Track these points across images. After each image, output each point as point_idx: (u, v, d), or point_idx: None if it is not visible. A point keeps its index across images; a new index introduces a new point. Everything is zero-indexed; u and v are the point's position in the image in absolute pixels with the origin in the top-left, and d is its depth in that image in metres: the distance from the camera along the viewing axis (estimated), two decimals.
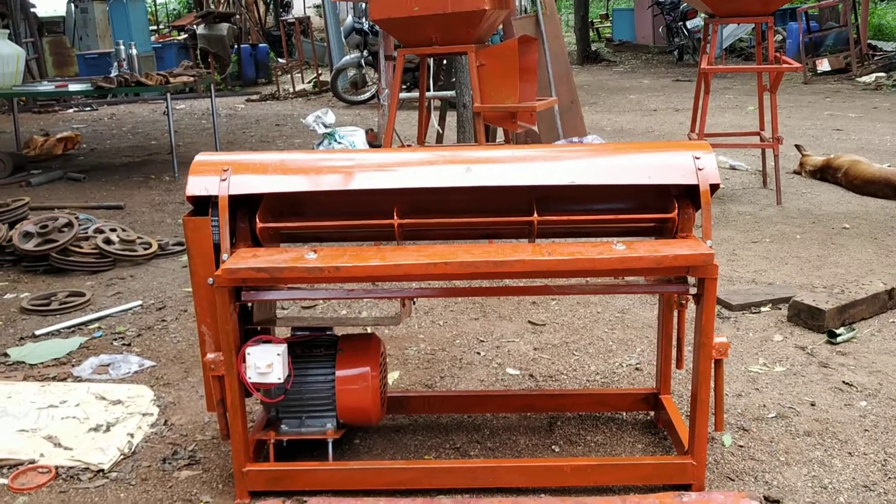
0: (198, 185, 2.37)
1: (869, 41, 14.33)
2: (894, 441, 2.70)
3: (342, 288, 2.55)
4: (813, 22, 14.36)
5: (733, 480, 2.51)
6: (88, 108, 12.78)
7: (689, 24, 16.50)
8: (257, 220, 2.40)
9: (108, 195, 6.74)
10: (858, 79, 12.80)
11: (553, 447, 2.73)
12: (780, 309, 3.86)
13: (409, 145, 5.51)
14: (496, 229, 2.57)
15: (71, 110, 12.68)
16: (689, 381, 2.94)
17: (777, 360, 3.34)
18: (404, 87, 10.80)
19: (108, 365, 3.40)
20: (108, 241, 4.85)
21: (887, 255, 4.65)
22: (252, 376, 2.35)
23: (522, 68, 4.41)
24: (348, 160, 2.48)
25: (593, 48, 19.19)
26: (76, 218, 4.90)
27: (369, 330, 3.50)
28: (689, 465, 2.40)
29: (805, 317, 3.64)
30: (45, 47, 14.17)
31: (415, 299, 2.63)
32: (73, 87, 8.00)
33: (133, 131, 10.50)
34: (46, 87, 8.28)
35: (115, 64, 8.05)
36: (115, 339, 3.73)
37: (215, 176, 2.37)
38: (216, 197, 2.34)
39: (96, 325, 3.92)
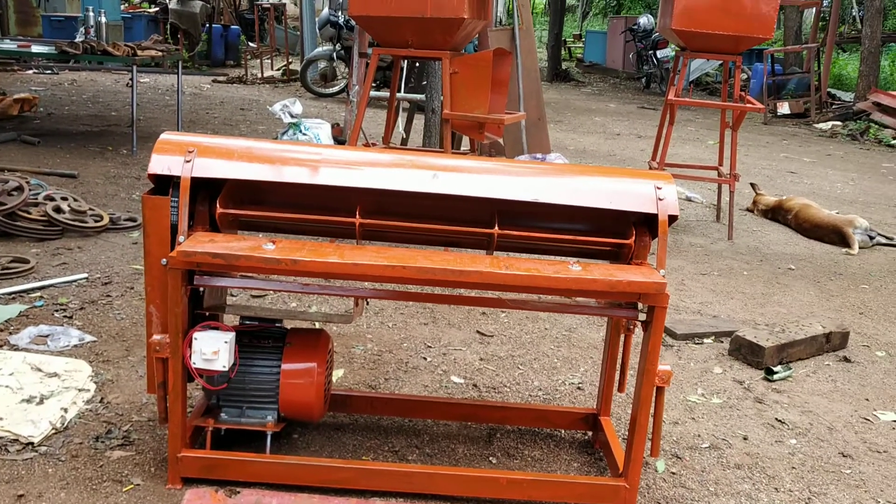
0: (161, 163, 2.34)
1: (829, 90, 14.76)
2: (819, 480, 2.78)
3: (297, 281, 2.54)
4: (778, 65, 14.73)
5: None
6: (49, 72, 12.47)
7: (660, 53, 16.79)
8: (218, 205, 2.38)
9: (62, 162, 6.59)
10: (816, 125, 13.15)
11: (491, 458, 2.75)
12: (722, 342, 3.94)
13: (374, 144, 5.50)
14: (456, 238, 2.59)
15: (30, 71, 12.36)
16: (629, 405, 2.99)
17: (715, 392, 3.41)
18: (374, 85, 10.77)
19: (47, 336, 3.33)
20: (58, 210, 4.74)
21: (828, 298, 4.79)
22: (197, 362, 2.33)
23: (495, 80, 4.45)
24: (316, 154, 2.47)
25: (564, 67, 19.38)
26: (27, 182, 4.79)
27: (318, 326, 3.48)
28: (622, 487, 2.45)
29: (745, 352, 3.73)
30: (8, 4, 13.79)
31: (368, 299, 2.63)
32: (35, 49, 7.79)
33: (93, 100, 10.29)
34: (8, 45, 8.06)
35: (82, 30, 7.87)
36: (57, 311, 3.65)
37: (180, 156, 2.34)
38: (178, 178, 2.32)
39: (38, 294, 3.83)
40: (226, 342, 2.34)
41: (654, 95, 16.27)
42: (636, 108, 14.45)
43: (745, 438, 3.03)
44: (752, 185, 7.11)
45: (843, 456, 2.97)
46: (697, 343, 3.94)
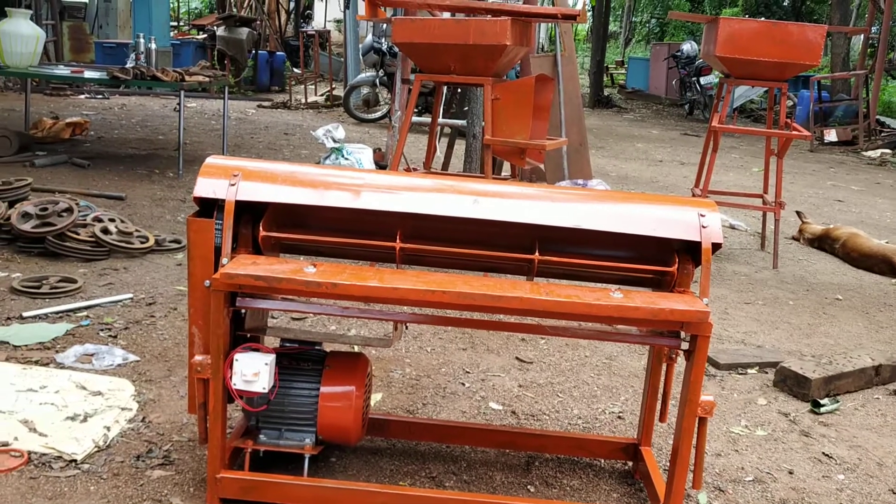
0: (207, 186, 2.38)
1: (878, 117, 14.50)
2: None
3: (337, 304, 2.55)
4: (825, 92, 14.53)
5: None
6: (100, 96, 12.81)
7: (703, 80, 16.68)
8: (261, 228, 2.40)
9: (111, 185, 6.74)
10: (864, 153, 12.92)
11: (529, 487, 2.72)
12: (766, 373, 3.87)
13: (415, 169, 5.53)
14: (496, 263, 2.58)
15: (82, 96, 12.70)
16: (671, 435, 2.94)
17: (759, 424, 3.34)
18: (416, 110, 10.85)
19: (92, 355, 3.38)
20: (105, 231, 4.84)
21: (878, 330, 4.67)
22: (237, 383, 2.34)
23: (536, 106, 4.45)
24: (357, 179, 2.49)
25: (606, 93, 19.36)
26: (76, 204, 4.90)
27: (357, 349, 3.49)
28: None
29: (791, 383, 3.65)
30: (64, 31, 14.22)
31: (407, 324, 2.63)
32: (88, 74, 8.02)
33: (142, 124, 10.52)
34: (62, 70, 8.29)
35: (133, 55, 8.07)
36: (102, 330, 3.71)
37: (225, 180, 2.38)
38: (223, 201, 2.35)
39: (85, 313, 3.91)
40: (266, 364, 2.35)
41: (698, 122, 16.15)
42: (679, 134, 14.35)
43: (790, 472, 2.96)
44: (798, 213, 6.99)
45: (894, 493, 2.88)
46: (741, 373, 3.86)
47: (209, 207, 2.42)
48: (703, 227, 2.36)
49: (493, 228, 2.47)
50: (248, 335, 2.54)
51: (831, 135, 13.63)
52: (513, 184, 3.11)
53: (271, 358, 2.39)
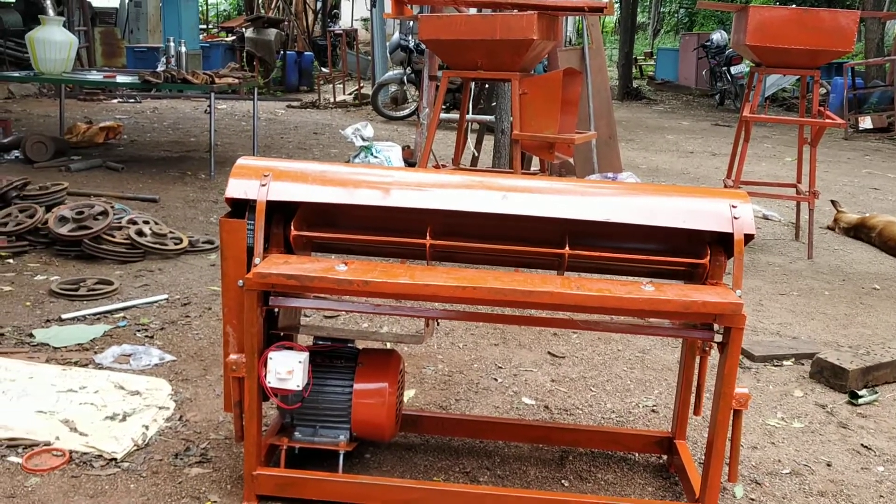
0: (238, 187, 2.40)
1: None
2: None
3: (368, 302, 2.56)
4: (859, 79, 14.27)
5: None
6: (132, 100, 12.99)
7: (734, 69, 16.47)
8: (292, 228, 2.43)
9: (144, 187, 6.84)
10: None
11: (563, 481, 2.72)
12: (802, 364, 3.82)
13: (443, 165, 5.54)
14: (527, 258, 2.58)
15: (115, 101, 12.89)
16: (705, 428, 2.92)
17: (796, 416, 3.31)
18: (444, 107, 10.86)
19: (129, 355, 3.44)
20: (140, 233, 4.91)
21: None
22: (272, 381, 2.37)
23: (565, 100, 4.43)
24: (387, 177, 2.51)
25: (635, 85, 19.20)
26: (111, 207, 4.98)
27: (389, 346, 3.51)
28: None
29: (828, 375, 3.60)
30: (96, 37, 14.44)
31: (438, 320, 2.64)
32: (120, 79, 8.14)
33: (174, 126, 10.65)
34: (95, 76, 8.43)
35: (163, 59, 8.19)
36: (139, 331, 3.77)
37: (255, 180, 2.41)
38: (255, 201, 2.38)
39: (122, 314, 3.97)
40: (300, 362, 2.38)
41: (729, 112, 15.96)
42: (710, 125, 14.20)
43: (828, 465, 2.93)
44: (833, 202, 6.89)
45: None
46: (776, 365, 3.82)
47: (241, 208, 2.44)
48: (735, 218, 2.33)
49: (523, 223, 2.47)
50: (282, 334, 2.57)
51: (866, 122, 13.39)
52: (542, 178, 3.11)
53: (305, 356, 2.41)
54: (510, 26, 4.32)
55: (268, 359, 2.37)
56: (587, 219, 2.37)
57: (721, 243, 2.41)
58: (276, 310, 2.51)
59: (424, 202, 2.41)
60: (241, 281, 2.34)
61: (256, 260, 2.34)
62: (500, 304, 2.32)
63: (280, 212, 2.46)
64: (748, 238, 2.33)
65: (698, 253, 2.41)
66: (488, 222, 2.50)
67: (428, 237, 2.45)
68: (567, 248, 2.43)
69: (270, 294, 2.37)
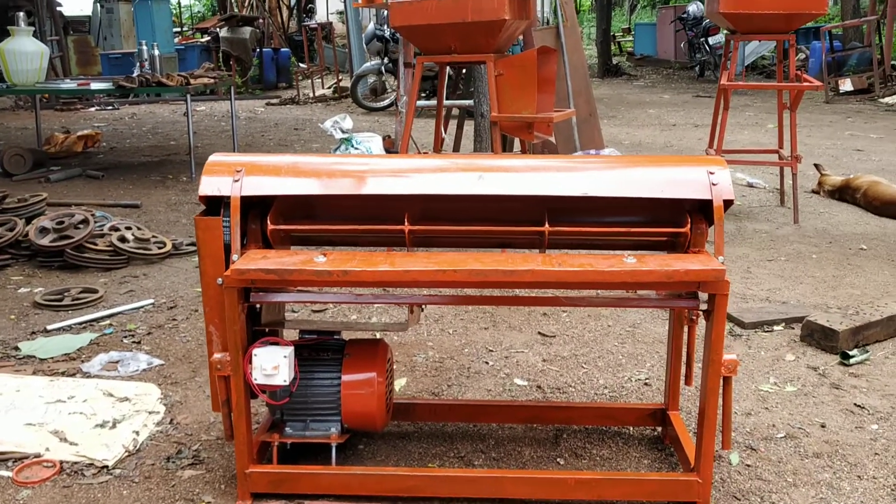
0: (211, 185, 2.38)
1: (893, 62, 14.23)
2: None
3: (351, 292, 2.54)
4: (837, 41, 14.28)
5: (739, 500, 2.48)
6: (110, 108, 12.89)
7: (712, 40, 16.47)
8: (268, 222, 2.40)
9: (126, 193, 6.78)
10: (881, 99, 12.70)
11: (558, 459, 2.71)
12: (793, 328, 3.82)
13: (425, 153, 5.51)
14: (507, 238, 2.56)
15: (93, 109, 12.79)
16: (698, 398, 2.92)
17: (788, 380, 3.30)
18: (423, 94, 10.82)
19: (117, 362, 3.41)
20: (122, 239, 4.87)
21: None
22: (258, 378, 2.35)
23: (541, 79, 4.40)
24: (361, 164, 2.48)
25: (614, 62, 19.17)
26: (92, 215, 4.93)
27: (377, 335, 3.49)
28: (694, 482, 2.38)
29: (818, 337, 3.60)
30: (69, 46, 14.31)
31: (423, 306, 2.62)
32: (95, 86, 8.07)
33: (153, 131, 10.58)
34: (69, 84, 8.36)
35: (138, 64, 8.12)
36: (126, 337, 3.74)
37: (228, 176, 2.38)
38: (228, 197, 2.35)
39: (108, 321, 3.94)
40: (285, 357, 2.36)
41: (709, 83, 15.95)
42: (691, 97, 14.19)
43: (822, 426, 2.93)
44: (817, 165, 6.89)
45: None
46: (767, 331, 3.82)
47: (216, 206, 2.41)
48: (713, 184, 2.32)
49: (502, 203, 2.45)
50: (266, 329, 2.54)
51: (846, 84, 13.40)
52: (517, 157, 3.08)
53: (290, 350, 2.39)
54: (481, 7, 4.28)
55: (252, 355, 2.34)
56: (565, 194, 2.35)
57: (701, 211, 2.40)
58: (258, 306, 2.49)
59: (400, 188, 2.38)
60: (220, 279, 2.32)
61: (234, 257, 2.32)
62: (483, 286, 2.31)
63: (256, 207, 2.43)
64: (728, 204, 2.31)
65: (679, 222, 2.40)
66: (467, 204, 2.48)
67: (406, 223, 2.42)
68: (547, 225, 2.41)
69: (251, 290, 2.34)
